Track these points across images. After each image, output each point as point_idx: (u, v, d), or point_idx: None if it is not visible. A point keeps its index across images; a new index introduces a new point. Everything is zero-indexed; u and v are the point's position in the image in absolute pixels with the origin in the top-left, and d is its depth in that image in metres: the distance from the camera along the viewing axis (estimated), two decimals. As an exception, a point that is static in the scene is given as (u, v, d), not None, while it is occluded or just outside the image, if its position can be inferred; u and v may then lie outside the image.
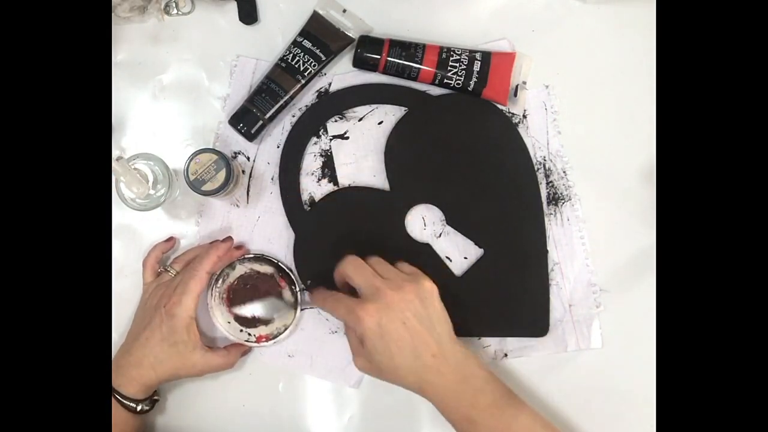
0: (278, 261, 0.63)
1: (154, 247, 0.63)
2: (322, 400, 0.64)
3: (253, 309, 0.63)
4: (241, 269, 0.63)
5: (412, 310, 0.53)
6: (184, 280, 0.58)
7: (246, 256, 0.63)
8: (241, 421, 0.64)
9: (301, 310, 0.63)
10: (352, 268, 0.56)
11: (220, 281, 0.63)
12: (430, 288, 0.55)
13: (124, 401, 0.56)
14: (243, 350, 0.63)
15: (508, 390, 0.55)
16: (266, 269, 0.63)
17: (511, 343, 0.63)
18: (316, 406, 0.64)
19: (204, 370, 0.59)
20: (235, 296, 0.63)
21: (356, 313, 0.53)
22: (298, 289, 0.63)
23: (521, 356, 0.63)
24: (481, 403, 0.53)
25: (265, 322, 0.63)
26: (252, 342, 0.62)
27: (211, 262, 0.59)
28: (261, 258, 0.63)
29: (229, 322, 0.63)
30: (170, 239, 0.64)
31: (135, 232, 0.65)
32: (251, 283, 0.63)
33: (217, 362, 0.60)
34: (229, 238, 0.62)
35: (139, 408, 0.57)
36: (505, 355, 0.63)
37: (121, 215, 0.64)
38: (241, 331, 0.63)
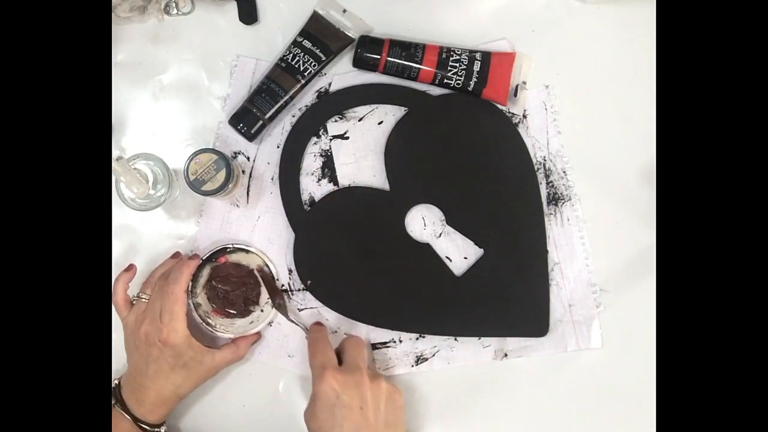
0: (216, 247, 0.63)
1: (117, 281, 0.60)
2: (322, 400, 0.64)
3: (242, 298, 0.63)
4: (200, 281, 0.63)
5: (377, 402, 0.54)
6: (166, 308, 0.57)
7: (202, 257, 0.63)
8: (241, 421, 0.64)
9: (300, 310, 0.64)
10: (352, 344, 0.58)
11: (199, 307, 0.63)
12: (400, 397, 0.56)
13: (149, 428, 0.58)
14: (251, 340, 0.63)
15: None
16: (215, 262, 0.63)
17: (511, 343, 0.63)
18: (316, 406, 0.64)
19: (219, 368, 0.60)
20: (219, 301, 0.63)
21: (324, 372, 0.54)
22: (255, 250, 0.63)
23: (521, 356, 0.63)
24: None
25: (257, 296, 0.63)
26: (268, 315, 0.62)
27: (185, 280, 0.59)
28: (205, 260, 0.63)
29: (233, 324, 0.63)
30: (130, 267, 0.61)
31: (135, 232, 0.65)
32: (220, 281, 0.63)
33: (229, 358, 0.60)
34: (196, 255, 0.62)
35: (162, 431, 0.59)
36: (505, 355, 0.63)
37: (121, 215, 0.64)
38: (251, 323, 0.63)
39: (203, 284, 0.63)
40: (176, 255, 0.63)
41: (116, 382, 0.60)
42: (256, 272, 0.63)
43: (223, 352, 0.60)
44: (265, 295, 0.63)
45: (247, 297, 0.63)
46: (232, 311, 0.63)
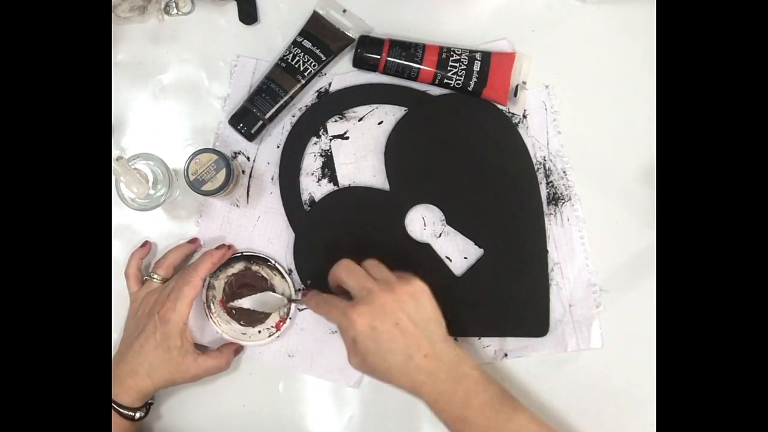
0: (261, 254, 0.63)
1: (132, 256, 0.62)
2: (322, 400, 0.64)
3: (249, 306, 0.63)
4: (228, 271, 0.64)
5: (405, 310, 0.53)
6: (177, 286, 0.58)
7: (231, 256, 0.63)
8: (241, 421, 0.64)
9: (300, 310, 0.64)
10: (345, 271, 0.56)
11: (212, 289, 0.63)
12: (421, 288, 0.55)
13: (122, 411, 0.57)
14: (235, 349, 0.62)
15: (502, 390, 0.54)
16: (252, 265, 0.64)
17: (511, 343, 0.63)
18: (316, 406, 0.64)
19: (198, 374, 0.59)
20: (230, 298, 0.63)
21: (348, 315, 0.52)
22: (289, 280, 0.63)
23: (521, 356, 0.63)
24: (475, 404, 0.52)
25: (263, 318, 0.63)
26: (260, 339, 0.62)
27: (206, 268, 0.59)
28: (244, 256, 0.63)
29: (228, 323, 0.63)
30: (145, 244, 0.63)
31: (135, 232, 0.65)
32: (243, 282, 0.63)
33: (210, 365, 0.60)
34: (223, 246, 0.62)
35: (136, 416, 0.58)
36: (505, 355, 0.63)
37: (121, 215, 0.64)
38: (244, 333, 0.63)
39: (229, 274, 0.63)
40: (194, 240, 0.64)
41: None
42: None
43: (207, 357, 0.59)
44: (269, 322, 0.63)
45: (251, 313, 0.63)
46: (234, 313, 0.63)
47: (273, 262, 0.63)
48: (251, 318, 0.63)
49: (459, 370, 0.53)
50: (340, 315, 0.54)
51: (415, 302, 0.54)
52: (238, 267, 0.64)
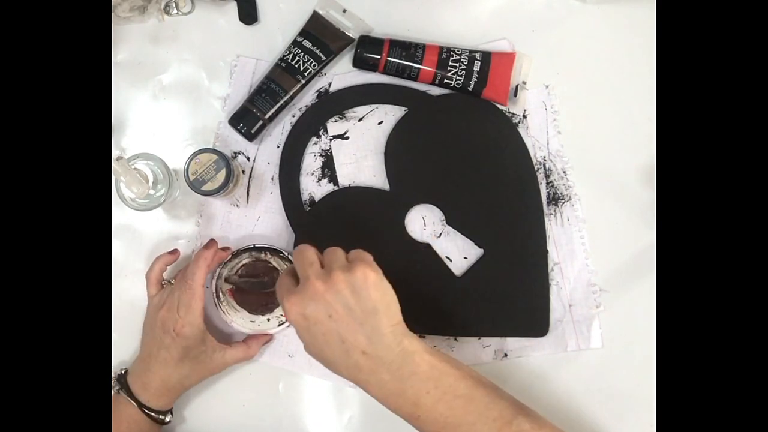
0: (272, 245, 0.63)
1: (157, 260, 0.61)
2: (322, 400, 0.64)
3: (258, 298, 0.63)
4: (238, 262, 0.64)
5: (341, 301, 0.48)
6: (183, 300, 0.57)
7: (235, 250, 0.63)
8: (241, 421, 0.64)
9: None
10: (296, 256, 0.51)
11: (221, 279, 0.63)
12: (362, 276, 0.48)
13: (153, 414, 0.58)
14: (264, 340, 0.63)
15: (457, 380, 0.49)
16: (262, 256, 0.64)
17: (511, 343, 0.63)
18: (316, 406, 0.64)
19: (227, 365, 0.61)
20: (240, 289, 0.63)
21: (283, 303, 0.49)
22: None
23: (521, 356, 0.63)
24: (426, 403, 0.48)
25: (272, 306, 0.63)
26: (270, 328, 0.63)
27: (202, 273, 0.58)
28: (255, 248, 0.63)
29: (238, 313, 0.63)
30: (174, 251, 0.62)
31: (135, 232, 0.65)
32: (252, 273, 0.64)
33: (239, 356, 0.61)
34: (212, 242, 0.61)
35: (167, 419, 0.59)
36: (505, 355, 0.63)
37: (121, 215, 0.64)
38: (253, 322, 0.63)
39: (239, 265, 0.64)
40: (211, 243, 0.61)
41: (123, 370, 0.60)
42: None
43: (234, 350, 0.60)
44: (278, 311, 0.63)
45: (261, 303, 0.63)
46: (244, 303, 0.63)
47: (285, 253, 0.63)
48: (261, 307, 0.63)
49: (404, 369, 0.49)
50: (281, 301, 0.51)
51: (353, 293, 0.48)
52: (247, 258, 0.64)
